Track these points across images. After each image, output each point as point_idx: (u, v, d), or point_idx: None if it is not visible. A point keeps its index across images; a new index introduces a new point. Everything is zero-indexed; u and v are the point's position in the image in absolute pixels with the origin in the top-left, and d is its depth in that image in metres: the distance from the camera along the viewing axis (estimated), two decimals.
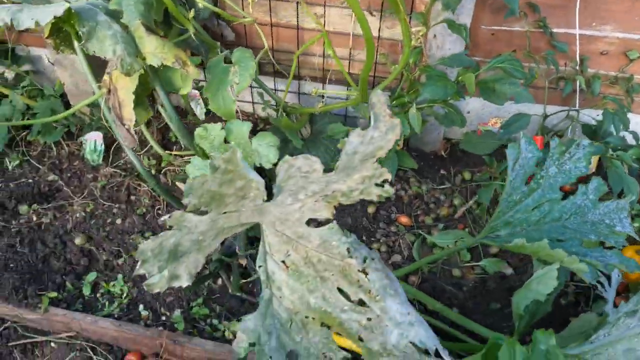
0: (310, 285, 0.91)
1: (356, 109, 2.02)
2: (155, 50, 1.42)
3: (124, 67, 1.36)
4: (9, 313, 1.66)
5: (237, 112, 1.66)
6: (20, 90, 2.09)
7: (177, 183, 1.92)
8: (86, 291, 1.73)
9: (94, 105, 2.22)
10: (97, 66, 1.58)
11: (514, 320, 1.31)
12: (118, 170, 2.14)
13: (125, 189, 2.08)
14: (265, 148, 1.44)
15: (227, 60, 1.61)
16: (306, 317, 0.93)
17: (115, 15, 1.45)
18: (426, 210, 2.05)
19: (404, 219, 1.99)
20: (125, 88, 1.47)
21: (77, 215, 1.98)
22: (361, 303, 0.90)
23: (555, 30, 1.89)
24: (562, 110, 2.04)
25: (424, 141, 2.23)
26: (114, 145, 2.22)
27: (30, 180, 2.13)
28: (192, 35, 1.69)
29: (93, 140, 2.16)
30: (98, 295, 1.75)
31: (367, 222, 2.01)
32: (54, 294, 1.69)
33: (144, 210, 2.01)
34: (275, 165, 1.48)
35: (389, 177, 0.86)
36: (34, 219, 1.97)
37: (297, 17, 2.01)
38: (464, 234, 1.92)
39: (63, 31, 1.60)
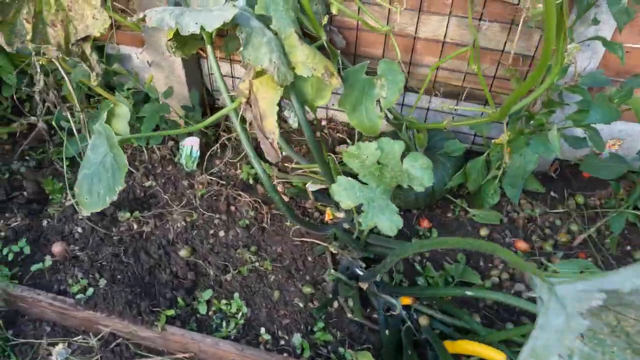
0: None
1: (476, 128, 1.91)
2: (307, 60, 1.33)
3: (280, 77, 1.27)
4: (123, 329, 1.58)
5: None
6: (125, 92, 2.01)
7: (308, 190, 1.82)
8: (202, 310, 1.64)
9: (189, 110, 2.14)
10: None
11: None
12: (214, 179, 2.06)
13: (225, 198, 1.99)
14: (419, 170, 1.33)
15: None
16: None
17: (264, 21, 1.36)
18: (542, 236, 1.93)
19: (521, 245, 1.88)
20: (268, 99, 1.38)
21: (178, 225, 1.90)
22: None
23: None
24: None
25: None
26: (208, 152, 2.13)
27: (125, 185, 2.05)
28: (325, 42, 1.60)
29: (190, 146, 2.08)
30: (210, 312, 1.66)
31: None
32: (170, 312, 1.60)
33: (247, 222, 1.91)
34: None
35: None
36: (135, 227, 1.88)
37: (415, 26, 1.90)
38: (590, 265, 1.79)
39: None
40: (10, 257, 1.75)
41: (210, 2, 1.45)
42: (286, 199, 1.97)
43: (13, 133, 2.22)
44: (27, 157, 2.13)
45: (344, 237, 1.55)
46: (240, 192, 2.00)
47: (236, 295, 1.68)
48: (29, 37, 1.57)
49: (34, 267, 1.72)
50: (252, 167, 2.07)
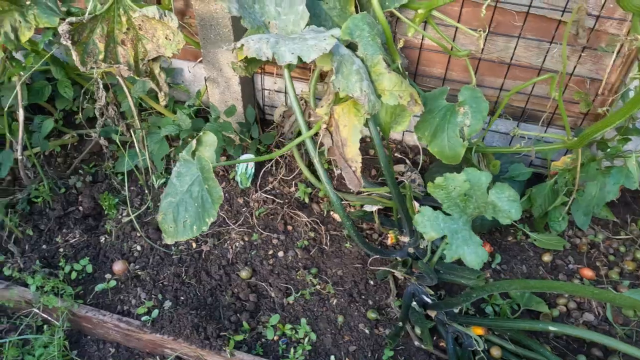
0: None
1: (542, 152, 1.87)
2: (394, 88, 1.30)
3: (370, 106, 1.24)
4: (190, 353, 1.56)
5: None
6: (187, 110, 1.99)
7: (374, 212, 1.79)
8: (269, 335, 1.61)
9: (244, 126, 2.12)
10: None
11: None
12: (269, 197, 2.03)
13: (281, 217, 1.97)
14: (507, 202, 1.30)
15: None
16: None
17: (351, 47, 1.34)
18: (606, 263, 1.89)
19: (587, 273, 1.84)
20: (350, 126, 1.35)
21: (237, 244, 1.87)
22: None
23: None
24: None
25: None
26: (262, 170, 2.11)
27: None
28: (400, 66, 1.57)
29: (245, 164, 2.06)
30: (275, 337, 1.64)
31: (543, 271, 1.86)
32: (239, 337, 1.57)
33: (306, 243, 1.89)
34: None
35: None
36: (194, 246, 1.87)
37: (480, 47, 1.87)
38: None
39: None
40: (74, 275, 1.74)
41: (290, 24, 1.42)
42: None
43: (64, 145, 2.21)
44: (80, 171, 2.12)
45: (421, 266, 1.52)
46: (297, 212, 1.98)
47: (303, 320, 1.65)
48: (101, 56, 1.55)
49: (98, 287, 1.70)
50: (308, 186, 2.05)
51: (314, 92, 1.78)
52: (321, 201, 2.04)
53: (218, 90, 2.13)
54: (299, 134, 2.21)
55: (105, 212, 1.98)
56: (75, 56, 1.48)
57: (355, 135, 1.35)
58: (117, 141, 1.90)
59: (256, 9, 1.41)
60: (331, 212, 2.00)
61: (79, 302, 1.65)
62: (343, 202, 1.97)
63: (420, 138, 1.52)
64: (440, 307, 1.57)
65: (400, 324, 1.59)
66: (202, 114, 2.26)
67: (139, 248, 1.85)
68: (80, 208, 1.99)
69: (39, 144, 1.96)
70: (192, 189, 1.22)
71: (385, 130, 1.54)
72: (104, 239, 1.89)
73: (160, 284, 1.74)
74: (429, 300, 1.64)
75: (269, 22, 1.44)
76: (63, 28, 1.44)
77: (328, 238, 1.91)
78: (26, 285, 1.69)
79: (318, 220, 1.96)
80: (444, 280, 1.67)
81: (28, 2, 1.58)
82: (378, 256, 1.78)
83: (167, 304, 1.66)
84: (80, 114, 2.14)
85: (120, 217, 1.97)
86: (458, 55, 1.57)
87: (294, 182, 2.09)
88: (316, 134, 1.46)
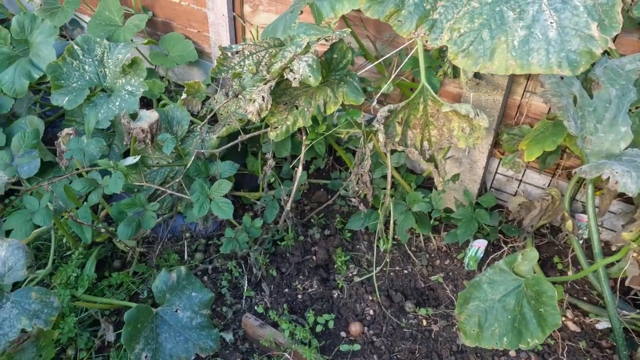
0: None
1: None
2: None
3: None
4: None
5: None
6: (439, 193, 2.06)
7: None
8: None
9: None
10: None
11: None
12: None
13: None
14: None
15: None
16: None
17: None
18: None
19: None
20: None
21: None
22: None
23: None
24: None
25: None
26: (490, 257, 2.09)
27: (406, 271, 2.09)
28: None
29: (477, 247, 2.06)
30: None
31: None
32: None
33: (540, 348, 1.82)
34: None
35: None
36: (424, 323, 1.89)
37: None
38: None
39: None
40: (318, 328, 1.85)
41: (607, 142, 1.41)
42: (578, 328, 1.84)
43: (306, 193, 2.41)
44: (312, 220, 2.28)
45: None
46: None
47: None
48: (397, 138, 1.67)
49: (343, 347, 1.79)
50: None
51: (572, 195, 1.75)
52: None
53: (457, 169, 2.17)
54: (540, 228, 2.16)
55: (335, 266, 2.10)
56: (382, 138, 1.61)
57: None
58: (355, 202, 2.01)
59: (576, 120, 1.41)
60: (567, 323, 1.91)
61: (325, 357, 1.74)
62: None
63: None
64: None
65: None
66: (426, 184, 2.32)
67: (371, 312, 1.93)
68: (314, 258, 2.13)
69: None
70: (506, 300, 1.23)
71: None
72: (336, 294, 2.00)
73: (396, 357, 1.78)
74: None
75: (584, 136, 1.44)
76: (382, 114, 1.58)
77: (565, 349, 1.81)
78: (275, 325, 1.84)
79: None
80: None
81: (336, 81, 1.77)
82: None
83: None
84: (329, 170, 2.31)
85: (350, 274, 2.07)
86: None
87: None
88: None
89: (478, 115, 1.53)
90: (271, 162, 1.99)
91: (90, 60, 2.39)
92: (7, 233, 2.13)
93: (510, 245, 2.12)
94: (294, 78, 1.60)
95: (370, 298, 1.97)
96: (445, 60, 1.99)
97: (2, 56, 2.46)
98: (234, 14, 2.57)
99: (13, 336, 1.51)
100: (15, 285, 1.62)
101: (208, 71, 2.92)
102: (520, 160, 1.81)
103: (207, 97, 2.48)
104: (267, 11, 2.48)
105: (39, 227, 1.92)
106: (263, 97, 1.65)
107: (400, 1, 1.38)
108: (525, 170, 2.15)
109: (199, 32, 2.83)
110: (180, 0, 2.78)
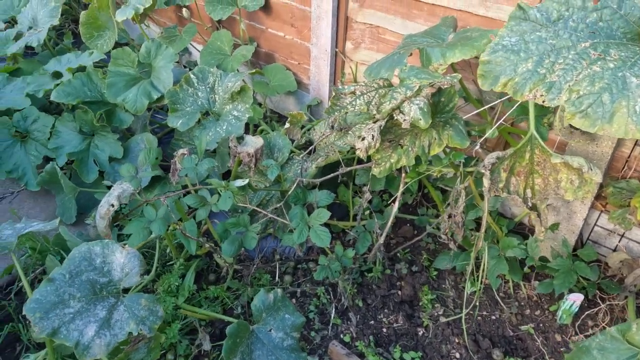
0: None
1: None
2: None
3: None
4: None
5: None
6: (534, 243, 2.03)
7: None
8: None
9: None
10: None
11: None
12: None
13: None
14: None
15: None
16: None
17: None
18: None
19: None
20: None
21: None
22: None
23: None
24: None
25: None
26: (586, 312, 2.01)
27: (494, 317, 2.06)
28: None
29: (572, 301, 1.99)
30: None
31: None
32: None
33: None
34: None
35: None
36: None
37: None
38: None
39: None
40: None
41: None
42: None
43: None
44: (398, 254, 2.31)
45: None
46: None
47: None
48: (501, 185, 1.68)
49: None
50: None
51: None
52: None
53: (555, 218, 2.13)
54: None
55: (421, 304, 2.11)
56: (486, 183, 1.63)
57: None
58: (445, 239, 2.01)
59: None
60: None
61: None
62: None
63: None
64: None
65: None
66: (517, 229, 2.28)
67: (457, 355, 1.91)
68: (399, 292, 2.15)
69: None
70: None
71: None
72: (421, 332, 2.01)
73: None
74: None
75: None
76: (489, 160, 1.61)
77: None
78: (361, 356, 1.87)
79: None
80: None
81: (441, 123, 1.82)
82: None
83: None
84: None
85: (436, 313, 2.07)
86: None
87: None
88: None
89: (591, 169, 1.51)
90: (368, 196, 2.06)
91: (203, 87, 2.61)
92: (119, 237, 2.35)
93: (607, 302, 2.03)
94: (404, 120, 1.67)
95: (456, 340, 1.95)
96: (550, 110, 1.98)
97: (129, 77, 2.75)
98: (337, 50, 2.71)
99: (122, 338, 1.64)
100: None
101: (303, 101, 3.08)
102: (633, 217, 1.75)
103: (302, 126, 2.62)
104: (369, 49, 2.59)
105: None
106: (372, 136, 1.72)
107: (513, 70, 1.41)
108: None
109: (299, 64, 3.00)
110: (285, 34, 2.97)
